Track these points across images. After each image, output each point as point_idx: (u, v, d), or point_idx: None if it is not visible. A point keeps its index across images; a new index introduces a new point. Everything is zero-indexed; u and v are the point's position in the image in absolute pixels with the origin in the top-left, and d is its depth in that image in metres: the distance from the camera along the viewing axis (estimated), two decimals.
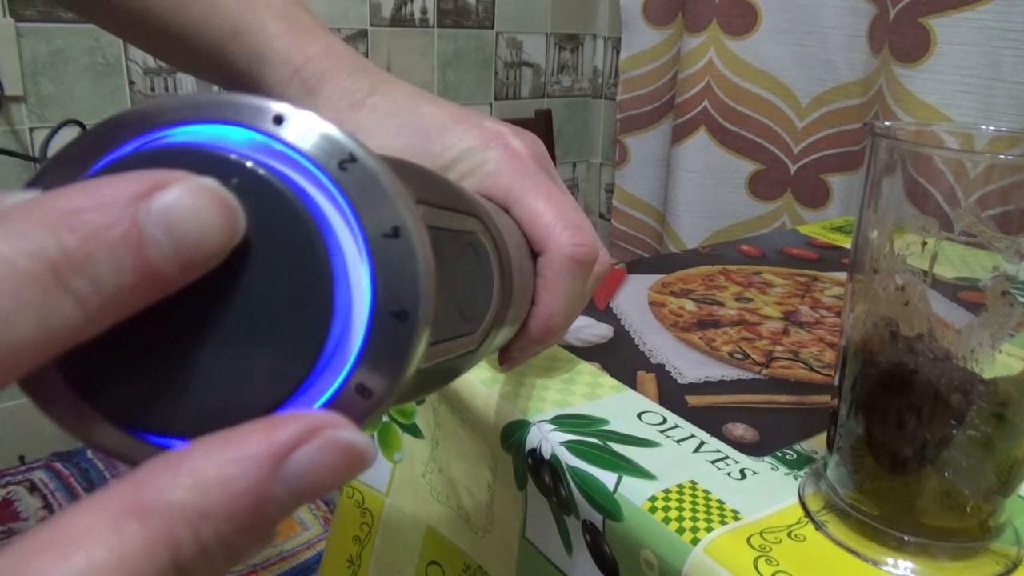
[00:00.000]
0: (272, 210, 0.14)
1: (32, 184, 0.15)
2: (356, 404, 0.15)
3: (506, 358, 0.33)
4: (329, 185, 0.15)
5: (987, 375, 0.30)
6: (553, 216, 0.30)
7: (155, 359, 0.14)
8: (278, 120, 0.15)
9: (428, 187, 0.20)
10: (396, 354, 0.15)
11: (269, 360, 0.14)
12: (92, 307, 0.12)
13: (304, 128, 0.15)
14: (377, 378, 0.15)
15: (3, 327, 0.11)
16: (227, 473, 0.13)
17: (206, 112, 0.15)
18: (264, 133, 0.15)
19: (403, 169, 0.19)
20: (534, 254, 0.31)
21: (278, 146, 0.15)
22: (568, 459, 0.40)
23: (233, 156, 0.14)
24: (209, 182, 0.13)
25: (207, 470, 0.12)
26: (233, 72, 0.37)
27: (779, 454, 0.41)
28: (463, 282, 0.21)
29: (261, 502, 0.13)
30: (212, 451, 0.13)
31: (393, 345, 0.15)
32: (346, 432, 0.14)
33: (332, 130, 0.15)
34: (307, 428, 0.13)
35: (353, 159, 0.15)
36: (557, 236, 0.30)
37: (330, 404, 0.15)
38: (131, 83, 1.25)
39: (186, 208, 0.13)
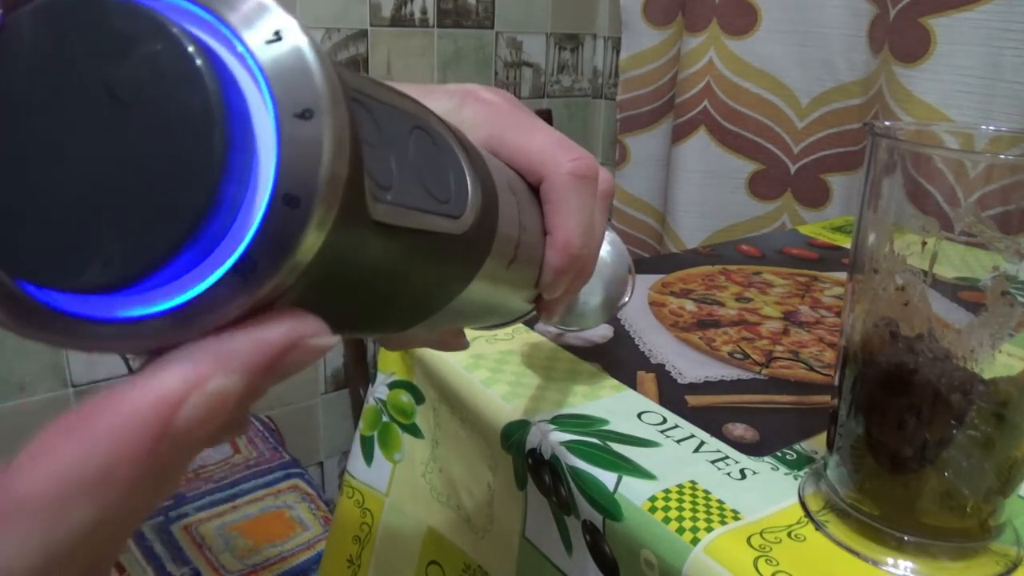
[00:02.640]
0: (174, 69, 0.14)
1: None
2: (290, 217, 0.14)
3: (541, 305, 0.32)
4: (247, 56, 0.15)
5: (987, 375, 0.30)
6: (541, 142, 0.30)
7: (52, 204, 0.14)
8: None
9: (366, 80, 0.20)
10: (313, 149, 0.14)
11: (167, 200, 0.14)
12: None
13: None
14: (300, 182, 0.14)
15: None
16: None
17: None
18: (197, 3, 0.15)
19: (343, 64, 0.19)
20: (534, 189, 0.30)
21: (203, 14, 0.15)
22: (568, 459, 0.40)
23: (155, 14, 0.14)
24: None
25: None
26: None
27: (779, 454, 0.41)
28: (420, 160, 0.20)
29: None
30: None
31: (306, 139, 0.14)
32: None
33: (269, 3, 0.15)
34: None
35: (279, 36, 0.15)
36: (551, 158, 0.29)
37: (260, 228, 0.14)
38: None
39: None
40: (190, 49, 0.14)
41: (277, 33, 0.15)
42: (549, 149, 0.29)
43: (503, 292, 0.28)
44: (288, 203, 0.14)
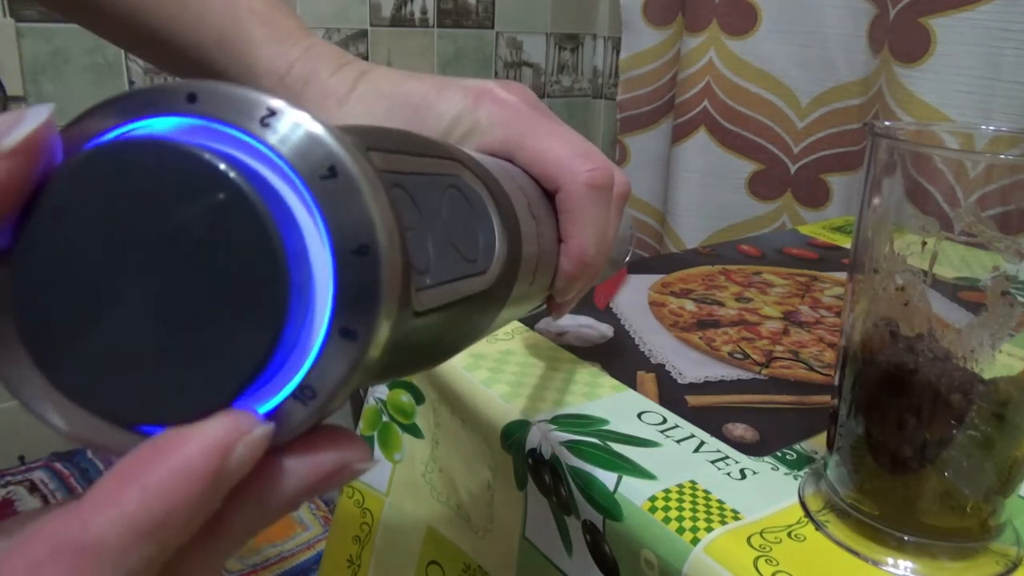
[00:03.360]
0: (237, 216, 0.14)
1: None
2: (345, 349, 0.15)
3: (552, 306, 0.33)
4: (272, 155, 0.15)
5: (987, 375, 0.30)
6: (559, 150, 0.30)
7: (121, 347, 0.15)
8: (268, 114, 0.15)
9: (392, 138, 0.20)
10: (369, 286, 0.15)
11: (231, 341, 0.14)
12: None
13: (287, 125, 0.15)
14: (357, 317, 0.15)
15: None
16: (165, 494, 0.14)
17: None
18: (245, 132, 0.15)
19: (366, 129, 0.19)
20: (550, 195, 0.30)
21: (256, 144, 0.15)
22: (568, 459, 0.40)
23: (196, 151, 0.14)
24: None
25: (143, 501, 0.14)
26: (225, 79, 0.38)
27: (779, 454, 0.41)
28: (453, 223, 0.21)
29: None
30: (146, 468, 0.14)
31: (362, 279, 0.15)
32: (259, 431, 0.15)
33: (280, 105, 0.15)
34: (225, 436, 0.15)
35: (334, 173, 0.15)
36: (568, 167, 0.29)
37: (318, 359, 0.15)
38: (131, 83, 1.25)
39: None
40: (251, 197, 0.14)
41: (332, 169, 0.15)
42: (566, 159, 0.29)
43: (521, 307, 0.28)
44: (344, 335, 0.15)
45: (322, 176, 0.15)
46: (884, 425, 0.32)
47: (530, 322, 0.56)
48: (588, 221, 0.29)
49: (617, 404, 0.45)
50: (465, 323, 0.22)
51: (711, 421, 0.44)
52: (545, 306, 0.33)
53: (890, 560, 0.32)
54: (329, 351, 0.15)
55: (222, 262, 0.14)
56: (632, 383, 0.48)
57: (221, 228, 0.14)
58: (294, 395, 0.15)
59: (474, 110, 0.31)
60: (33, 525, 0.14)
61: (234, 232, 0.14)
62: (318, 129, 0.15)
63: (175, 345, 0.14)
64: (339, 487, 0.17)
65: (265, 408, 0.15)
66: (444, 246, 0.20)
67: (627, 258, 0.43)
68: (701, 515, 0.35)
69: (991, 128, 0.34)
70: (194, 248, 0.14)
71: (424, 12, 1.40)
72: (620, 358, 0.51)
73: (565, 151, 0.30)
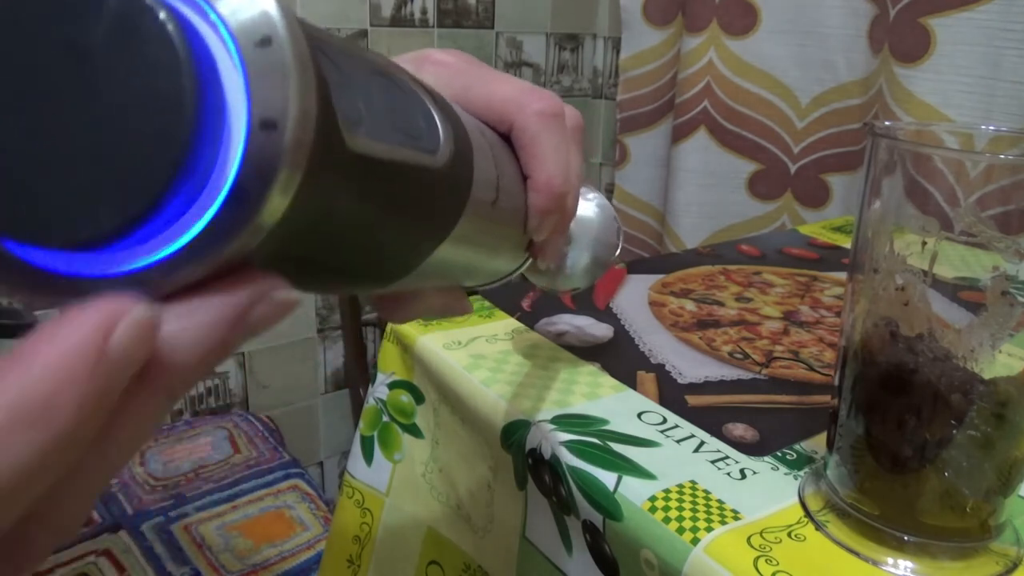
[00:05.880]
0: (135, 20, 0.14)
1: None
2: (267, 140, 0.15)
3: (535, 251, 0.33)
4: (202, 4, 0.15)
5: (987, 375, 0.30)
6: (506, 89, 0.30)
7: (31, 161, 0.14)
8: None
9: (325, 32, 0.20)
10: (280, 78, 0.15)
11: (138, 159, 0.14)
12: None
13: None
14: (272, 108, 0.15)
15: None
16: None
17: None
18: None
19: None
20: (505, 137, 0.30)
21: None
22: (568, 459, 0.40)
23: None
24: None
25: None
26: None
27: (779, 454, 0.41)
28: (392, 108, 0.20)
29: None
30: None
31: (273, 69, 0.15)
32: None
33: None
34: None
35: None
36: (516, 101, 0.30)
37: (245, 149, 0.15)
38: None
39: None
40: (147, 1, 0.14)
41: (266, 39, 0.15)
42: (513, 95, 0.30)
43: (490, 239, 0.28)
44: (266, 127, 0.15)
45: (256, 42, 0.15)
46: (884, 425, 0.32)
47: (530, 322, 0.56)
48: (548, 150, 0.30)
49: (617, 404, 0.45)
50: (416, 207, 0.22)
51: (711, 421, 0.44)
52: (530, 261, 0.33)
53: (890, 560, 0.32)
54: (253, 145, 0.14)
55: (126, 67, 0.14)
56: (632, 383, 0.48)
57: (121, 34, 0.14)
58: (228, 198, 0.15)
59: (417, 74, 0.32)
60: None
61: (134, 35, 0.14)
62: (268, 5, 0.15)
63: (90, 158, 0.14)
64: (265, 326, 0.16)
65: (198, 224, 0.15)
66: (378, 112, 0.19)
67: (616, 253, 0.43)
68: (701, 515, 0.35)
69: (991, 128, 0.34)
70: (96, 54, 0.14)
71: (424, 12, 1.40)
72: (620, 358, 0.51)
73: (512, 89, 0.30)
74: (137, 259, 0.15)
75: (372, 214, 0.19)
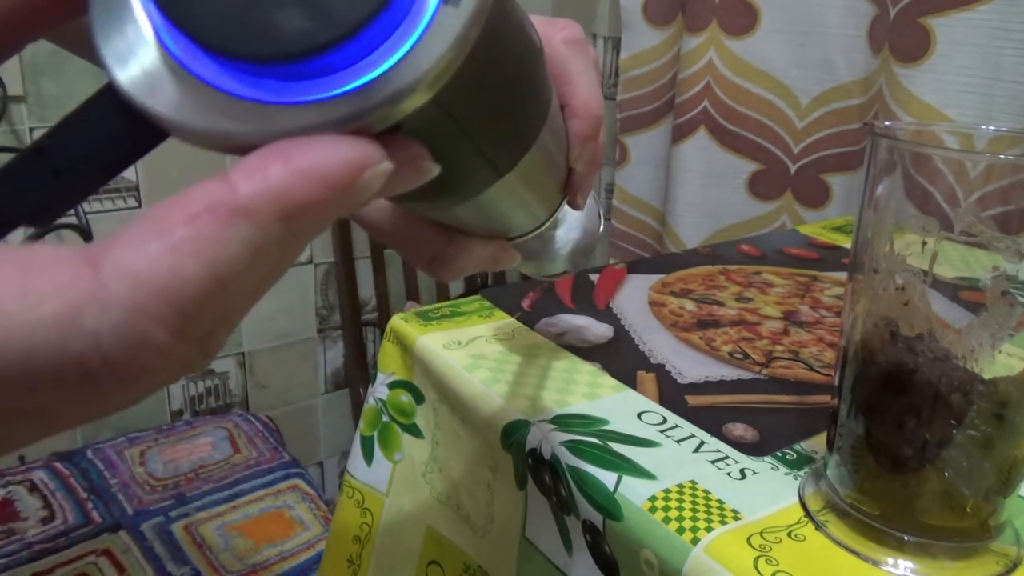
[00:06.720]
0: None
1: None
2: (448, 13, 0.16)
3: (572, 188, 0.33)
4: None
5: (987, 375, 0.30)
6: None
7: None
8: None
9: None
10: None
11: None
12: None
13: None
14: None
15: None
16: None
17: None
18: None
19: None
20: None
21: None
22: (568, 459, 0.40)
23: None
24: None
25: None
26: None
27: (779, 454, 0.41)
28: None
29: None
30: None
31: None
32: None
33: None
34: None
35: None
36: (542, 33, 0.30)
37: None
38: None
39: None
40: None
41: None
42: (538, 26, 0.31)
43: (545, 168, 0.29)
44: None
45: None
46: (884, 425, 0.32)
47: (530, 322, 0.56)
48: (580, 75, 0.30)
49: (617, 404, 0.45)
50: (534, 81, 0.23)
51: (711, 421, 0.44)
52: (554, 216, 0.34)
53: (890, 560, 0.32)
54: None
55: None
56: (632, 383, 0.48)
57: None
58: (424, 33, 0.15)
59: None
60: (178, 194, 0.15)
61: None
62: None
63: None
64: (371, 192, 0.17)
65: (394, 57, 0.15)
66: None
67: (598, 236, 0.44)
68: (701, 515, 0.35)
69: (991, 128, 0.34)
70: None
71: None
72: (620, 358, 0.51)
73: (535, 22, 0.31)
74: (323, 90, 0.16)
75: (511, 79, 0.21)
